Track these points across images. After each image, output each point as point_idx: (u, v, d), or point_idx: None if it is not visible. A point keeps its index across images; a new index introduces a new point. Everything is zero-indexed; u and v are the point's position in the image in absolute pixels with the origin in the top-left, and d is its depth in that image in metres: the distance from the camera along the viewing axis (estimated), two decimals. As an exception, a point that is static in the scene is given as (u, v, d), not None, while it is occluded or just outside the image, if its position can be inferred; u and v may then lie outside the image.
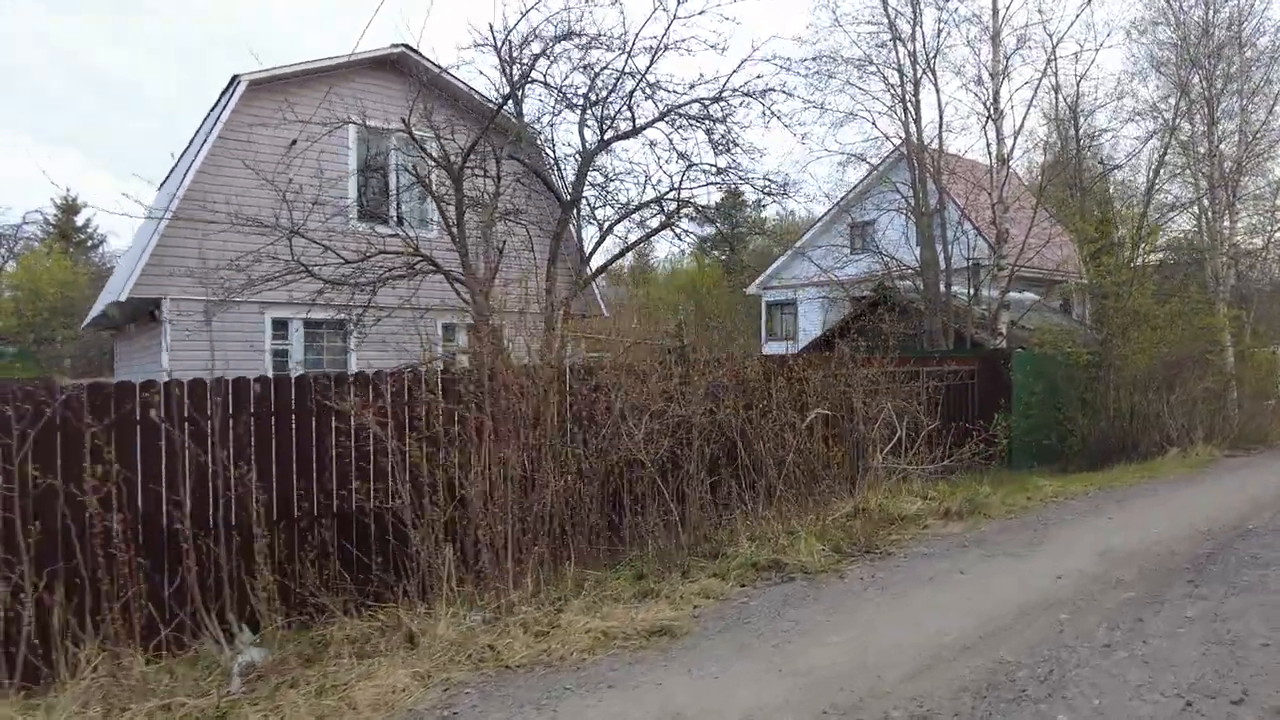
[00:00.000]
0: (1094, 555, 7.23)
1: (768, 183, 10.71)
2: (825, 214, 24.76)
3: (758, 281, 33.78)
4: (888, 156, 18.22)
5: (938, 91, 16.16)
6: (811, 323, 28.08)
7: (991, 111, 15.86)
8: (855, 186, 20.41)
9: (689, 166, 10.38)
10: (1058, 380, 14.03)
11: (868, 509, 8.46)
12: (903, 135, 16.51)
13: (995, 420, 12.23)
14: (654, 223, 10.59)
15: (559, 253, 10.28)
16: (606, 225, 10.40)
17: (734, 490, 8.01)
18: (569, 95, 9.86)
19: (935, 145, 16.48)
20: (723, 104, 9.99)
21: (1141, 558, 7.13)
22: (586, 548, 6.80)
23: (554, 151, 10.36)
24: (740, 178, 10.46)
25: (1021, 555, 7.33)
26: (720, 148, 10.27)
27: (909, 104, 16.05)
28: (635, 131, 10.13)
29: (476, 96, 11.63)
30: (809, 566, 6.85)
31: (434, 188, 10.03)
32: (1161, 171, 17.37)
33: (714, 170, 10.39)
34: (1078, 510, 9.35)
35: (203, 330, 11.68)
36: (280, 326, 14.00)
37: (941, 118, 16.55)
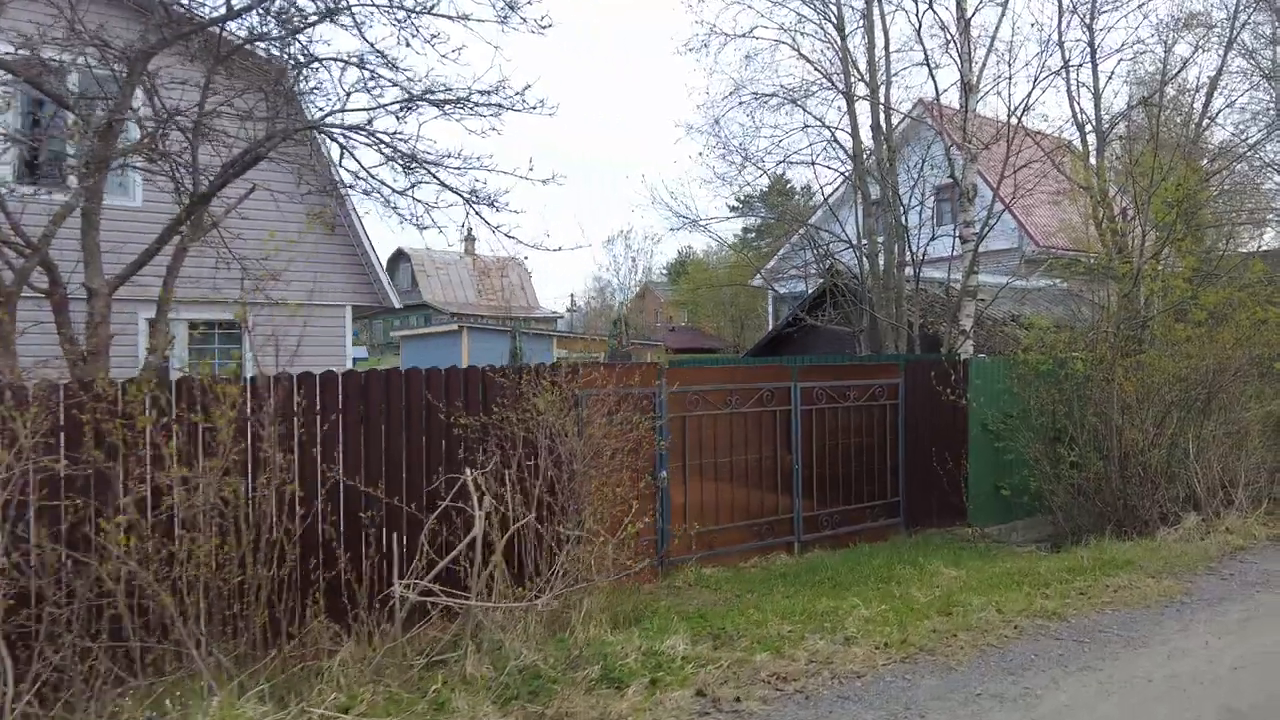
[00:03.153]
0: None
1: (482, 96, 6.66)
2: (828, 199, 20.38)
3: (765, 269, 29.36)
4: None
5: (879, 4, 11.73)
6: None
7: (958, 25, 11.36)
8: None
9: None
10: (1046, 400, 9.42)
11: None
12: (838, 66, 12.14)
13: (934, 461, 7.89)
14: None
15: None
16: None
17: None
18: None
19: (882, 76, 12.04)
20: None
21: None
22: None
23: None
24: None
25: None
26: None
27: (840, 26, 11.68)
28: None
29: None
30: None
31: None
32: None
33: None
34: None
35: None
36: None
37: (887, 39, 12.10)
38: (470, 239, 52.96)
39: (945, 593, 5.96)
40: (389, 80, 6.77)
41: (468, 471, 5.23)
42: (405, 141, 6.76)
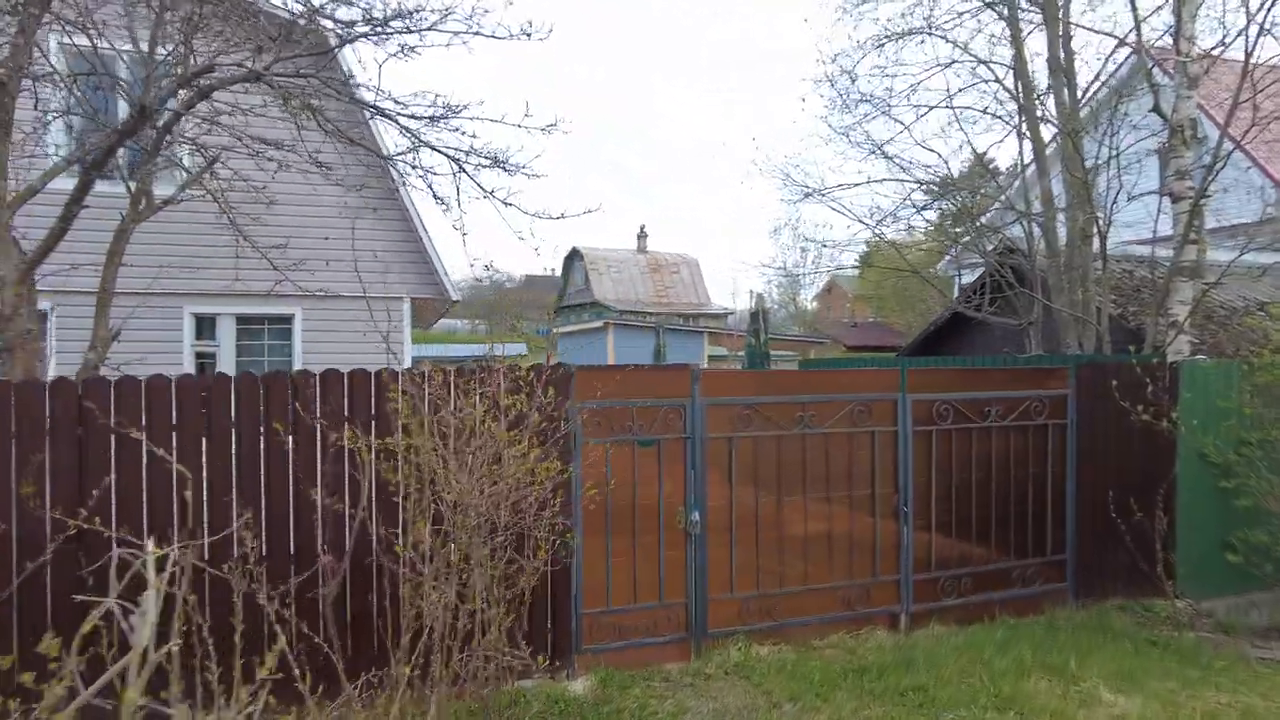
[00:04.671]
0: None
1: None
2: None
3: (948, 258, 25.82)
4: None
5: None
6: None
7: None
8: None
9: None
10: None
11: None
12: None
13: (1117, 504, 5.45)
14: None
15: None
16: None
17: None
18: None
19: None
20: None
21: None
22: None
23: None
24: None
25: None
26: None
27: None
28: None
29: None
30: None
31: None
32: None
33: None
34: None
35: None
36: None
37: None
38: (643, 235, 52.58)
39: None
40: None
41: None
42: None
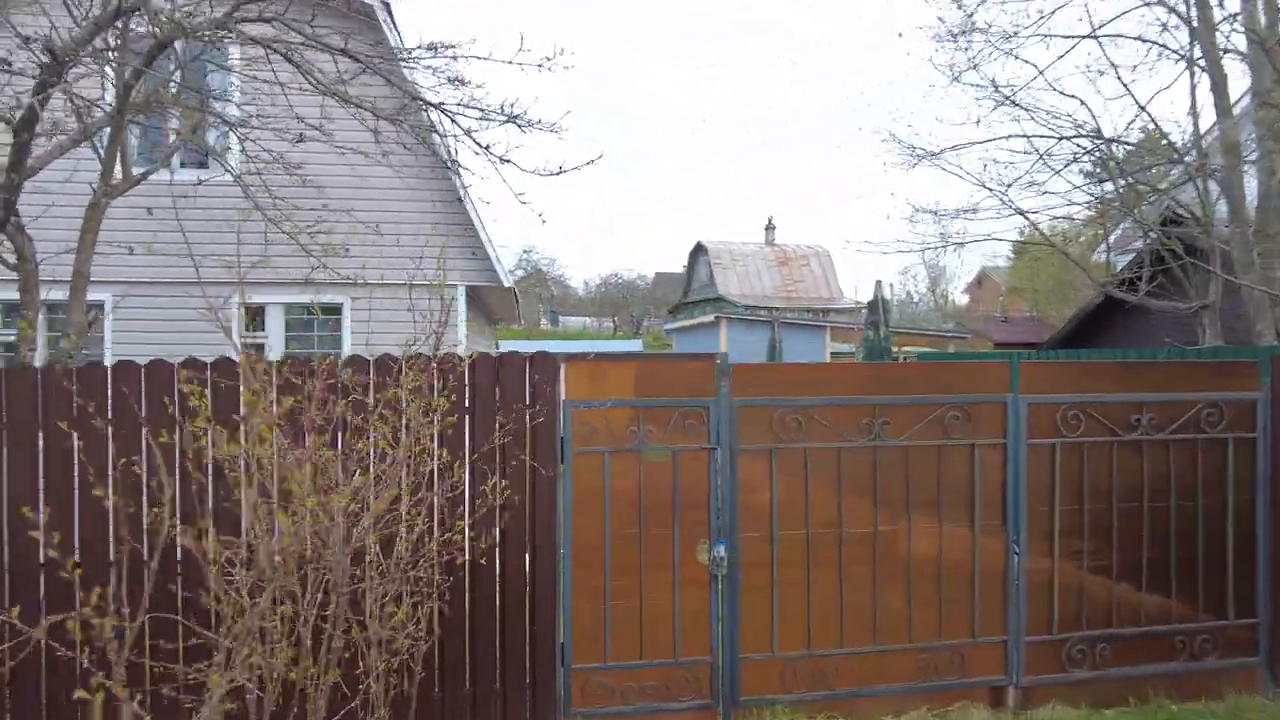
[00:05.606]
0: None
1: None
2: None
3: (1112, 239, 22.77)
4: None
5: None
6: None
7: None
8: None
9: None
10: None
11: None
12: None
13: None
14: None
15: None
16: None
17: None
18: None
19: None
20: None
21: None
22: None
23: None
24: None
25: None
26: None
27: None
28: None
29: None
30: None
31: None
32: None
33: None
34: None
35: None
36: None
37: None
38: (770, 227, 50.76)
39: None
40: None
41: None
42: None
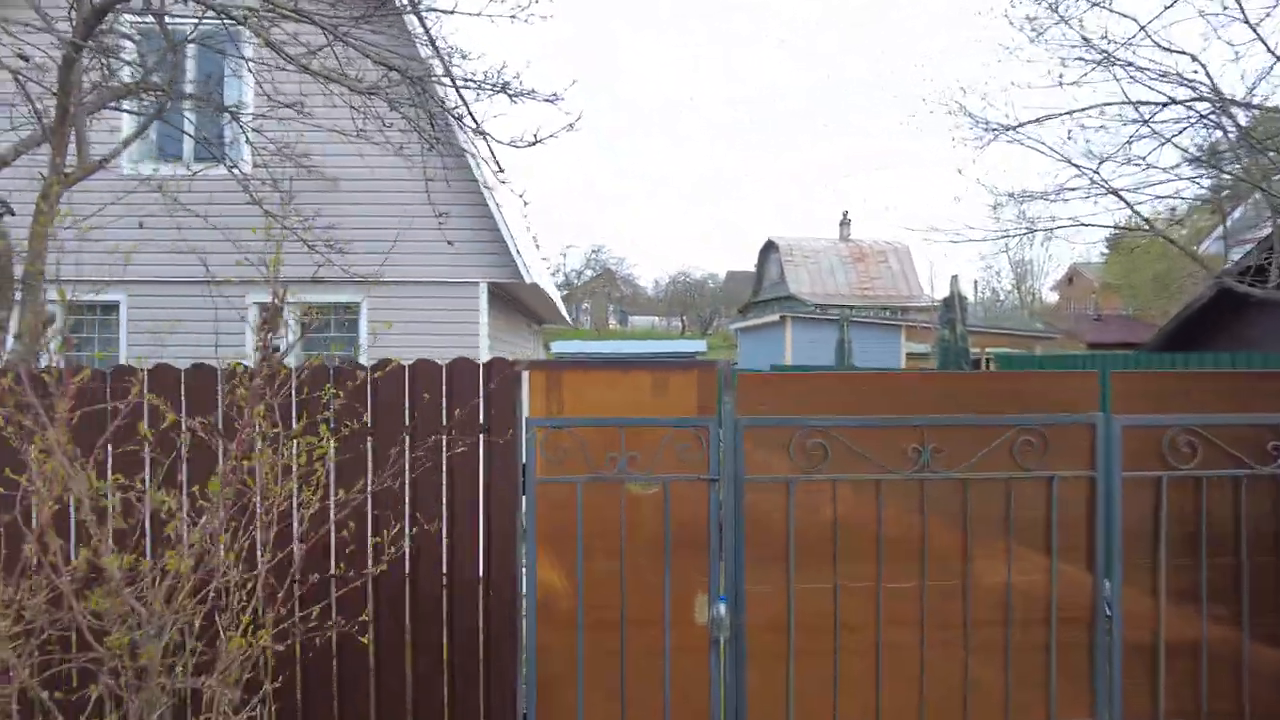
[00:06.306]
0: None
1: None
2: None
3: (1213, 236, 20.67)
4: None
5: None
6: None
7: None
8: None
9: None
10: None
11: None
12: None
13: None
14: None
15: None
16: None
17: None
18: None
19: None
20: None
21: None
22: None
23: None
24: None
25: None
26: None
27: None
28: None
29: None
30: None
31: None
32: None
33: None
34: None
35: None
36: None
37: None
38: (845, 222, 49.00)
39: None
40: None
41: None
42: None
